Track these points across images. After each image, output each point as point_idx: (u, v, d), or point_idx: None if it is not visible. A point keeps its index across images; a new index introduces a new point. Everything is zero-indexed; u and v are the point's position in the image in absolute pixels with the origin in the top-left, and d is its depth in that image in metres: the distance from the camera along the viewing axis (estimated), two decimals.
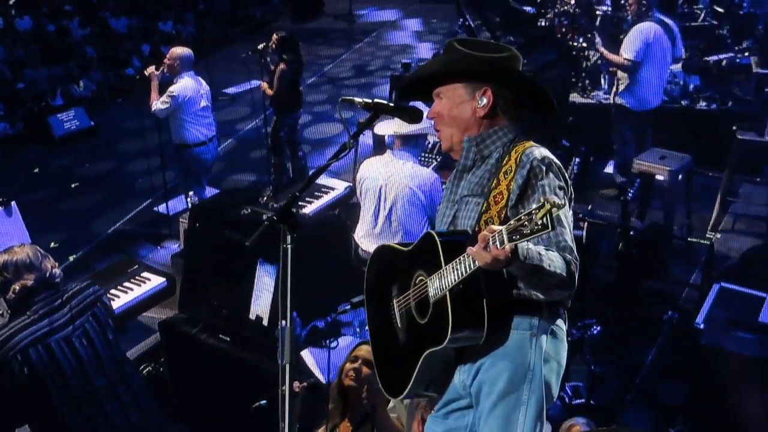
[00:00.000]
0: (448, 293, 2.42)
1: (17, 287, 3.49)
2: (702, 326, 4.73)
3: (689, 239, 6.76)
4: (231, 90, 12.30)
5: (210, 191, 7.63)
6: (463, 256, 2.37)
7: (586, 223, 5.74)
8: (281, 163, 8.30)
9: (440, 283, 2.45)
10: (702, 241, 6.46)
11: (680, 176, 6.77)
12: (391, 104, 2.75)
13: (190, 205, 6.09)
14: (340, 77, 13.69)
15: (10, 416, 3.60)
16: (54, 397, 3.51)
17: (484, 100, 2.66)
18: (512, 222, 2.18)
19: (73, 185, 9.47)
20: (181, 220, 6.28)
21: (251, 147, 10.02)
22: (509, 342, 2.53)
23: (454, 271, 2.39)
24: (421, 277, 2.58)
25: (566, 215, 2.53)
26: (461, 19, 13.73)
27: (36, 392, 3.48)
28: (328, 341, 4.16)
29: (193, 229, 4.51)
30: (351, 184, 6.31)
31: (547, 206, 2.09)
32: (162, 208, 7.98)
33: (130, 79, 14.67)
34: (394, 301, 2.74)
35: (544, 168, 2.54)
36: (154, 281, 4.67)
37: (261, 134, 8.94)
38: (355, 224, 5.29)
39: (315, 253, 4.27)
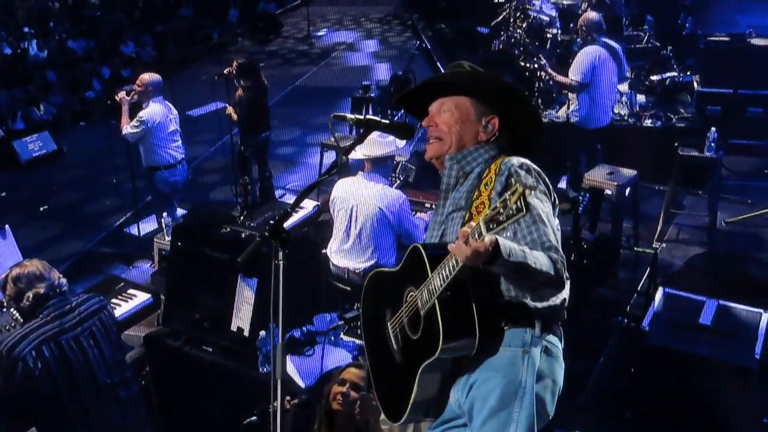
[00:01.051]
0: (436, 301, 2.40)
1: (30, 295, 3.79)
2: (647, 329, 5.03)
3: (636, 249, 7.04)
4: (195, 112, 12.40)
5: (181, 212, 7.85)
6: (446, 260, 2.34)
7: None
8: (247, 183, 8.51)
9: (428, 292, 2.43)
10: (647, 251, 6.75)
11: (627, 190, 7.06)
12: (383, 121, 2.75)
13: (163, 226, 6.32)
14: (300, 97, 13.84)
15: (21, 413, 3.87)
16: (62, 391, 3.80)
17: (490, 128, 2.68)
18: (488, 212, 2.14)
19: (41, 208, 9.54)
20: (155, 239, 6.50)
21: (217, 168, 10.20)
22: (501, 359, 2.50)
23: (438, 277, 2.37)
24: (411, 293, 2.56)
25: (548, 216, 2.50)
26: (417, 41, 14.11)
27: (47, 387, 3.76)
28: (305, 349, 4.45)
29: (175, 247, 4.77)
30: (319, 203, 6.60)
31: (520, 188, 2.05)
32: (133, 229, 8.17)
33: (90, 102, 14.72)
34: (389, 324, 2.70)
35: (522, 172, 2.52)
36: (141, 297, 4.94)
37: (226, 155, 9.17)
38: (324, 241, 5.55)
39: (289, 268, 4.56)
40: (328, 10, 21.27)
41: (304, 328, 4.55)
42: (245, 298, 4.35)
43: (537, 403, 2.50)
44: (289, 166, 10.49)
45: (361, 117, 2.69)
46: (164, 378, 4.77)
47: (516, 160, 2.56)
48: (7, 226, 4.72)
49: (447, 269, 2.33)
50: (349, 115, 2.71)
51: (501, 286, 2.51)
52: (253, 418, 3.59)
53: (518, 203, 2.04)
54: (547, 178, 2.60)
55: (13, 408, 3.85)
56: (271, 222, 2.49)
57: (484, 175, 2.59)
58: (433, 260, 2.43)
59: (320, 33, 19.24)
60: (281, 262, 2.44)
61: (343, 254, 5.16)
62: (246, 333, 4.36)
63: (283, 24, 20.04)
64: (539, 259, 2.34)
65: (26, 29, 17.72)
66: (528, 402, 2.48)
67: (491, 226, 2.11)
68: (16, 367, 3.67)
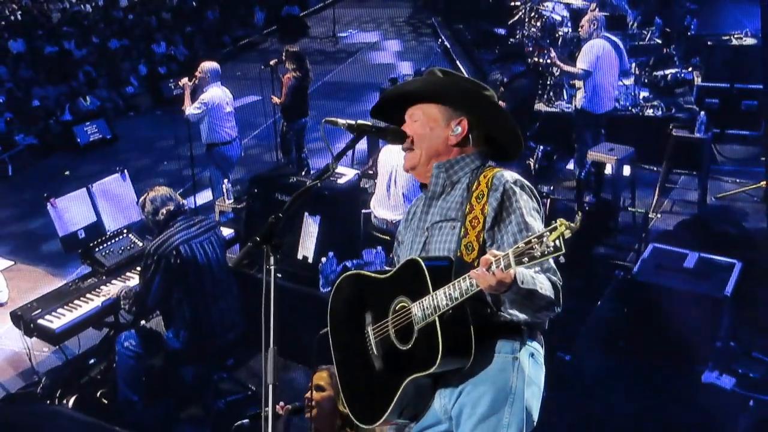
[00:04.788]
0: (437, 318, 2.36)
1: (164, 211, 4.87)
2: (636, 271, 5.75)
3: (630, 209, 7.84)
4: None
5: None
6: (458, 281, 2.32)
7: (549, 200, 7.00)
8: (288, 162, 9.45)
9: (429, 308, 2.39)
10: (640, 210, 7.54)
11: (625, 164, 7.86)
12: (374, 126, 2.73)
13: (224, 190, 7.34)
14: (329, 92, 14.57)
15: (161, 298, 4.86)
16: (191, 283, 4.83)
17: (459, 129, 2.66)
18: (520, 245, 2.09)
19: None
20: (217, 203, 7.53)
21: (256, 153, 11.16)
22: (492, 365, 2.48)
23: (446, 296, 2.34)
24: (402, 304, 2.53)
25: None
26: (439, 40, 14.89)
27: (181, 279, 4.79)
28: None
29: (252, 193, 5.82)
30: (359, 173, 7.60)
31: (561, 228, 1.99)
32: (189, 201, 9.13)
33: (131, 97, 15.70)
34: (369, 328, 2.66)
35: (517, 190, 2.51)
36: (226, 231, 5.94)
37: (266, 140, 10.00)
38: (364, 203, 6.47)
39: (347, 211, 5.60)
40: (351, 12, 22.07)
41: (354, 260, 5.57)
42: (309, 232, 5.37)
43: (525, 409, 2.51)
44: (320, 152, 11.32)
45: (353, 122, 2.67)
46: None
47: (509, 176, 2.56)
48: (126, 171, 5.77)
49: (458, 291, 2.32)
50: (341, 120, 2.69)
51: (501, 305, 2.48)
52: (245, 420, 3.62)
53: (557, 242, 2.01)
54: (537, 194, 2.62)
55: (161, 297, 4.80)
56: (263, 227, 2.46)
57: (474, 187, 2.57)
58: (435, 276, 2.42)
59: (344, 34, 20.06)
60: (273, 267, 2.37)
61: (384, 207, 6.05)
62: (310, 260, 5.38)
63: (308, 26, 20.90)
64: (544, 284, 2.35)
65: (65, 28, 18.76)
66: (518, 408, 2.48)
67: (524, 260, 2.09)
68: (161, 263, 4.71)
